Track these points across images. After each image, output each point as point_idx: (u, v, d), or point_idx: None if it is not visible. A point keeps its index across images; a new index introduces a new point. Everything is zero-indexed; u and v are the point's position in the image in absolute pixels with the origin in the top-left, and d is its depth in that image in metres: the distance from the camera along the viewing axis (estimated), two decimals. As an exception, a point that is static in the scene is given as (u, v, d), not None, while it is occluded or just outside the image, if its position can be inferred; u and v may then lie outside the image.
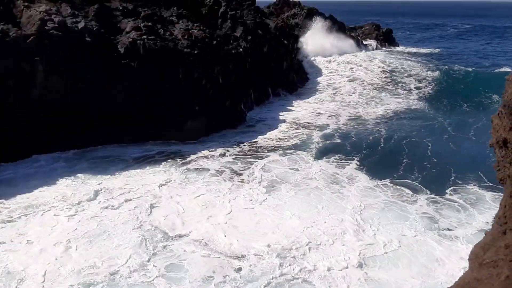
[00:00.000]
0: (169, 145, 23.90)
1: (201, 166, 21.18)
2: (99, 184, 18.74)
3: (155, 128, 24.03)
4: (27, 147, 20.65)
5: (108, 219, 15.75)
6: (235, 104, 28.00)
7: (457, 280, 2.81)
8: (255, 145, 24.57)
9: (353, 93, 36.22)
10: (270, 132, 26.65)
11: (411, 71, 42.43)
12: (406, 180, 19.60)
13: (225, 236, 14.77)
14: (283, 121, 29.04)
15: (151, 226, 15.36)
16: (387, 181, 19.49)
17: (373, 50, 55.65)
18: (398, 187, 18.97)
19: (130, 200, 17.36)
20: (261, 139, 25.48)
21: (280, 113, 30.70)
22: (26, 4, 22.60)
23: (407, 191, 18.53)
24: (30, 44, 20.65)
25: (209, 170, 20.72)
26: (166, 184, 19.02)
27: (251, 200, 17.64)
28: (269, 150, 23.51)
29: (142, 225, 15.43)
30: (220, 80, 28.40)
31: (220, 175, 20.18)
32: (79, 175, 19.49)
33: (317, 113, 31.10)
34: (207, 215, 16.36)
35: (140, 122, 23.57)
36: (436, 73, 41.07)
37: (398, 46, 63.43)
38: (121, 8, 27.21)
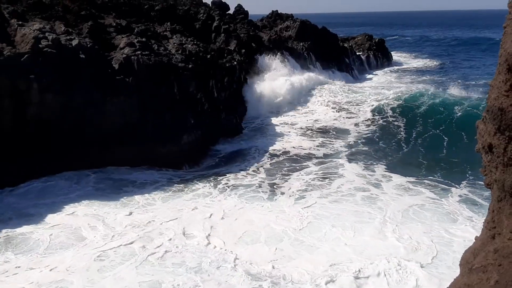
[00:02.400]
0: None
1: (236, 186, 20.59)
2: (124, 214, 17.51)
3: (153, 144, 23.91)
4: (24, 171, 20.40)
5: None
6: (230, 117, 28.10)
7: (448, 286, 2.83)
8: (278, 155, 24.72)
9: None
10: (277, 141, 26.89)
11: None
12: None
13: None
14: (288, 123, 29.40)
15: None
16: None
17: (365, 70, 54.71)
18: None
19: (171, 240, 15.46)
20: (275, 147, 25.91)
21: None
22: (20, 23, 22.71)
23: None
24: (24, 62, 20.70)
25: (251, 186, 20.35)
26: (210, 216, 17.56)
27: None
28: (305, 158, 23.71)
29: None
30: (215, 94, 28.56)
31: (261, 191, 19.87)
32: (89, 201, 18.58)
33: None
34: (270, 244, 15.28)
35: (137, 137, 23.49)
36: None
37: (392, 59, 63.60)
38: (114, 24, 27.39)
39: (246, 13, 44.15)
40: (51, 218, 17.02)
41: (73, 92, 21.79)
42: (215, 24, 35.28)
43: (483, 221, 3.07)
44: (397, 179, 21.06)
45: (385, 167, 22.71)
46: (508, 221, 2.65)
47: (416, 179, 20.98)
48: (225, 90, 29.50)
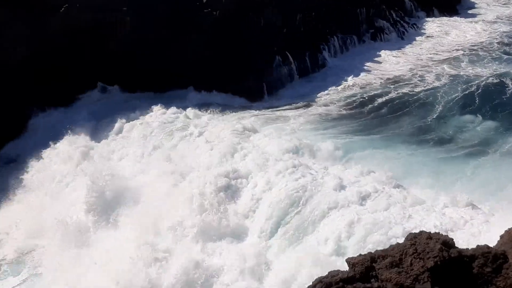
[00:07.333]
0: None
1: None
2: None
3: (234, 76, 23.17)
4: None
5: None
6: (315, 53, 27.17)
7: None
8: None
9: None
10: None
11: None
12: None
13: None
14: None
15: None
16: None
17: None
18: None
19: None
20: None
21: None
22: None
23: None
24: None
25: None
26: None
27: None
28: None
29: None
30: (301, 28, 27.17)
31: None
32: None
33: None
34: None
35: (220, 70, 22.76)
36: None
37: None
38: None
39: None
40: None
41: (150, 26, 21.53)
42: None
43: None
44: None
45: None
46: None
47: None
48: (312, 24, 27.99)
